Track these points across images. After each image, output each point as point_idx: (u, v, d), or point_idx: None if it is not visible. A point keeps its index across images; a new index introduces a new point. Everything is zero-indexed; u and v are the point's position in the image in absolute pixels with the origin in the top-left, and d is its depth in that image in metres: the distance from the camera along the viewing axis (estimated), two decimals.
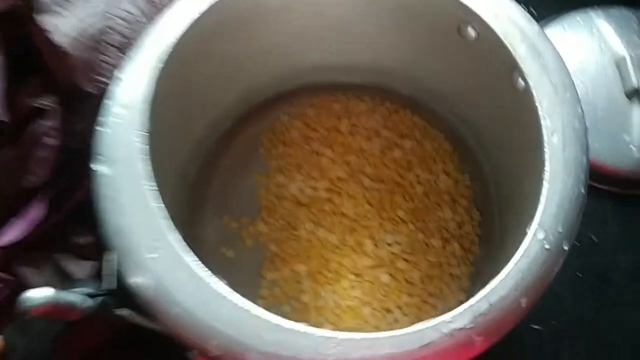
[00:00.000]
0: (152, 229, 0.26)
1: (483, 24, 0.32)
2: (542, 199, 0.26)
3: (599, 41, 0.46)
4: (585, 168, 0.27)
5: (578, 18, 0.48)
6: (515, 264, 0.25)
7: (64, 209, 0.37)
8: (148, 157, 0.27)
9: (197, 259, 0.25)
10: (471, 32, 0.34)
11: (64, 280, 0.35)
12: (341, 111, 0.46)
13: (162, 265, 0.25)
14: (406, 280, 0.40)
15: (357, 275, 0.41)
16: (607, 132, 0.44)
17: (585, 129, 0.28)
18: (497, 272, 0.27)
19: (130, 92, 0.29)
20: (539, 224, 0.26)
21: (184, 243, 0.26)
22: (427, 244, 0.41)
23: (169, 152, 0.37)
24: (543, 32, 0.30)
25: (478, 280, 0.40)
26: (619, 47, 0.46)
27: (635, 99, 0.44)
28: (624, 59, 0.45)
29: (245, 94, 0.44)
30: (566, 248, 0.26)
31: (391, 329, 0.39)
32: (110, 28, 0.36)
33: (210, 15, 0.33)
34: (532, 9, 0.43)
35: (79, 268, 0.36)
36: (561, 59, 0.29)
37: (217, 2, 0.33)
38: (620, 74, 0.45)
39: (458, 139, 0.44)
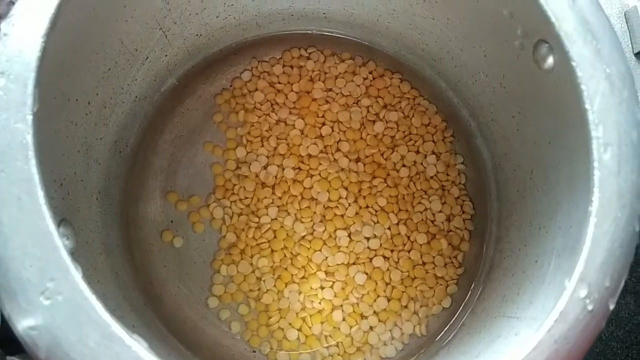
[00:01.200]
0: (47, 259, 0.18)
1: None
2: (588, 240, 0.19)
3: None
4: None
5: None
6: (549, 331, 0.18)
7: None
8: (35, 152, 0.19)
9: (102, 305, 0.18)
10: None
11: None
12: (315, 72, 0.38)
13: (60, 309, 0.18)
14: (384, 282, 0.35)
15: (328, 273, 0.35)
16: None
17: None
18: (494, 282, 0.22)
19: (16, 51, 0.20)
20: (580, 277, 0.19)
21: (86, 280, 0.18)
22: (410, 239, 0.35)
23: (94, 117, 0.29)
24: (599, 3, 0.23)
25: (467, 284, 0.35)
26: None
27: None
28: (636, 11, 0.38)
29: (194, 43, 0.35)
30: (612, 307, 0.20)
31: (366, 338, 0.34)
32: None
33: None
34: None
35: None
36: (619, 43, 0.22)
37: None
38: (630, 30, 0.38)
39: (453, 115, 0.37)
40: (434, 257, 0.35)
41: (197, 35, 0.35)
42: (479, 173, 0.36)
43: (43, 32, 0.20)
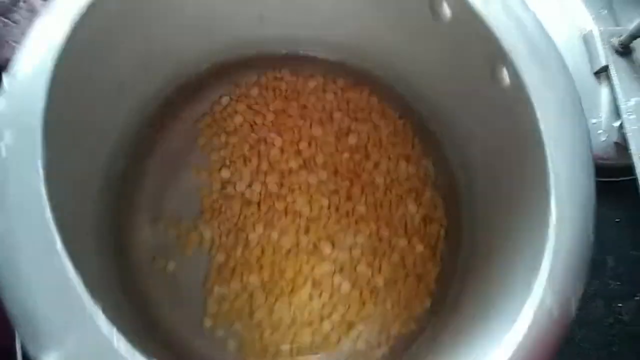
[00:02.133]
0: (66, 300, 0.20)
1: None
2: (549, 249, 0.21)
3: (566, 14, 0.43)
4: (594, 205, 0.23)
5: None
6: (518, 345, 0.21)
7: None
8: (49, 199, 0.20)
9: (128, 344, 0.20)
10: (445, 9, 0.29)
11: None
12: (289, 91, 0.40)
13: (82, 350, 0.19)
14: (369, 288, 0.37)
15: (315, 284, 0.37)
16: None
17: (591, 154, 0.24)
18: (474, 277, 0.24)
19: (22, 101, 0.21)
20: (546, 286, 0.21)
21: (109, 320, 0.20)
22: (390, 244, 0.38)
23: (87, 153, 0.30)
24: (543, 26, 0.25)
25: (444, 281, 0.37)
26: (587, 20, 0.42)
27: (603, 79, 0.41)
28: (592, 34, 0.41)
29: (174, 71, 0.37)
30: (575, 312, 0.22)
31: (354, 346, 0.36)
32: None
33: None
34: None
35: None
36: (565, 65, 0.25)
37: None
38: (588, 51, 0.41)
39: (419, 123, 0.40)
40: (414, 259, 0.38)
41: (176, 63, 0.36)
42: (448, 174, 0.39)
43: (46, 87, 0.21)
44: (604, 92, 0.41)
